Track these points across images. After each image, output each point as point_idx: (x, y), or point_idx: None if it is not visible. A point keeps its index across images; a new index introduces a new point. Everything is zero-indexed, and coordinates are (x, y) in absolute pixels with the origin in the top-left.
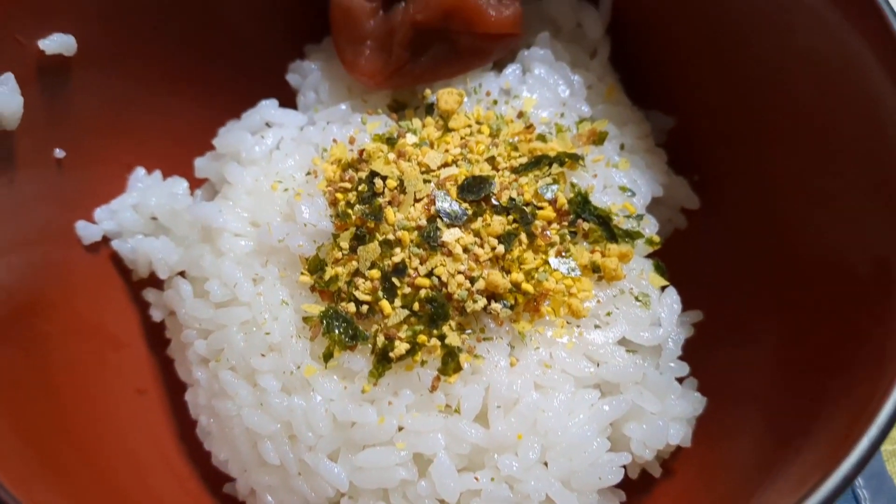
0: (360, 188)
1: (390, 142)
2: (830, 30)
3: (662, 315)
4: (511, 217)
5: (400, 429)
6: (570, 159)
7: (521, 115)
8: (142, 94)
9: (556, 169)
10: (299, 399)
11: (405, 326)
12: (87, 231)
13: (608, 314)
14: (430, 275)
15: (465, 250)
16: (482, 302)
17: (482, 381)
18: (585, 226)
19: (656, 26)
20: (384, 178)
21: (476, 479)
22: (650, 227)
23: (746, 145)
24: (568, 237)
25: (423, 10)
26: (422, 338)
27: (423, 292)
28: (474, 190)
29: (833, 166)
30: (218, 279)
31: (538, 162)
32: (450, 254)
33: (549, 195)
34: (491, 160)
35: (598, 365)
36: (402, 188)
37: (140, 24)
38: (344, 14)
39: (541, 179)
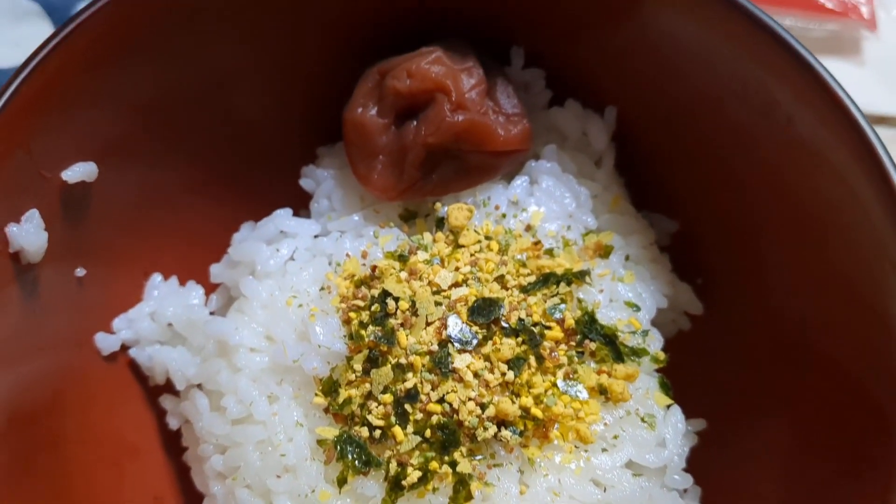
0: (373, 308)
1: (402, 258)
2: (830, 144)
3: (667, 436)
4: (520, 339)
5: None
6: (577, 278)
7: (528, 228)
8: (159, 201)
9: (563, 288)
10: None
11: (417, 452)
12: (105, 343)
13: (615, 437)
14: (441, 401)
15: (476, 375)
16: (493, 429)
17: None
18: (592, 345)
19: (659, 133)
20: (396, 300)
21: None
22: (655, 343)
23: (747, 248)
24: (575, 358)
25: (434, 134)
26: (433, 465)
27: (434, 418)
28: (484, 313)
29: (832, 269)
30: (234, 395)
31: (546, 280)
32: (461, 380)
33: (557, 315)
34: (500, 279)
35: (605, 490)
36: (414, 310)
37: (158, 137)
38: (357, 130)
39: (549, 299)
